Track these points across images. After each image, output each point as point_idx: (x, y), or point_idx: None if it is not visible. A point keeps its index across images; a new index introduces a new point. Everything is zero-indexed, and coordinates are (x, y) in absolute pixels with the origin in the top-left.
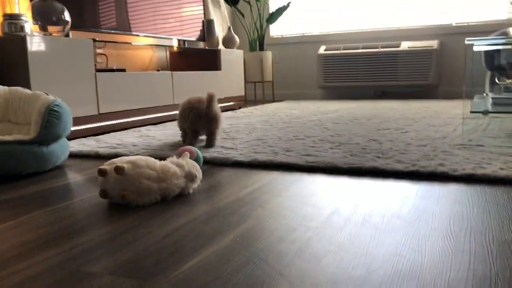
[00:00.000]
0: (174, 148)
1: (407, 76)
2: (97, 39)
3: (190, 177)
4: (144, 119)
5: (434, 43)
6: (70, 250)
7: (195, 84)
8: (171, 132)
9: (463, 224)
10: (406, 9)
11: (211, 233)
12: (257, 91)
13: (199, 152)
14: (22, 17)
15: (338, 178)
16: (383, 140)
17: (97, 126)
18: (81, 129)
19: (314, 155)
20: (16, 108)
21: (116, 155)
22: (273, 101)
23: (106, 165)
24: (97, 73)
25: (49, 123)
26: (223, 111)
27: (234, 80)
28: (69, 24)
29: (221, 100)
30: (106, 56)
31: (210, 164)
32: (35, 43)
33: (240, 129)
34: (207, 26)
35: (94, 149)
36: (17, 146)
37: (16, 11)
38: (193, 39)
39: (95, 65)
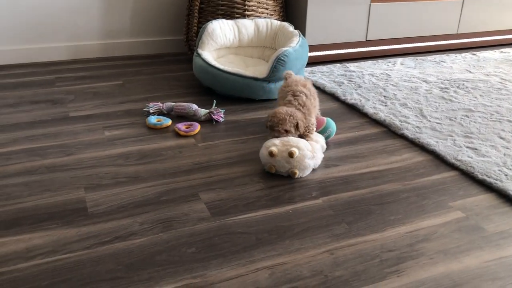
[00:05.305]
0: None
1: None
2: None
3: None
4: (416, 46)
5: None
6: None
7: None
8: (400, 72)
9: None
10: None
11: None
12: None
13: (329, 121)
14: None
15: None
16: None
17: (363, 51)
18: (346, 53)
19: None
20: (280, 39)
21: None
22: None
23: (274, 147)
24: (372, 4)
25: (276, 69)
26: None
27: None
28: None
29: (482, 34)
30: None
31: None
32: None
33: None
34: None
35: (324, 82)
36: (253, 81)
37: None
38: None
39: None
